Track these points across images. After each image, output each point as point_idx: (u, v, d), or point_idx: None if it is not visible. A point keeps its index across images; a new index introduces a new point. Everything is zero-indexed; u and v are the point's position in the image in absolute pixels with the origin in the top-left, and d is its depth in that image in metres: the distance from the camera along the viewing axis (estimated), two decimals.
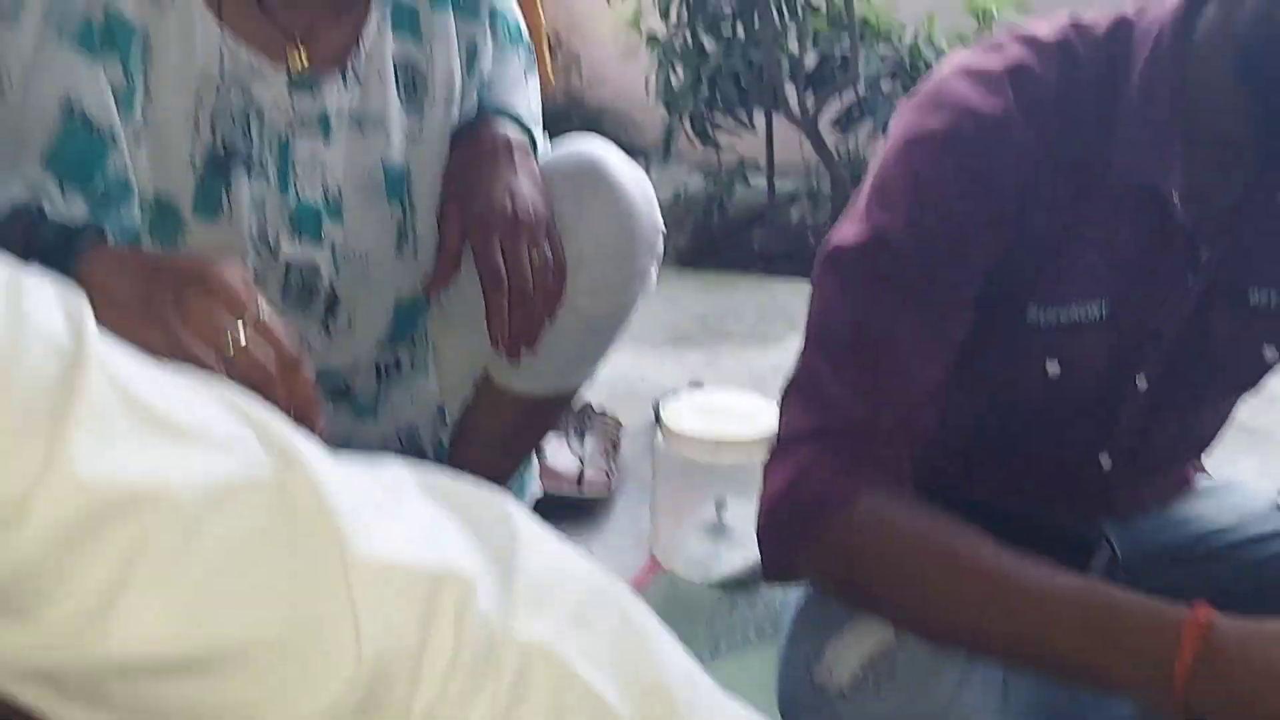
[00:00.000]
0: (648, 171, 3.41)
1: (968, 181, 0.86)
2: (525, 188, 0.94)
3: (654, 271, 1.05)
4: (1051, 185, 0.87)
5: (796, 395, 0.88)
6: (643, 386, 1.80)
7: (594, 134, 1.04)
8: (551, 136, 1.11)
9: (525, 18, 1.94)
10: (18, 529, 0.35)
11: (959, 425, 0.97)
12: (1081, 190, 0.88)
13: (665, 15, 3.07)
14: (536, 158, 1.00)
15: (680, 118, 3.00)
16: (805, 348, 0.89)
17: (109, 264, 0.66)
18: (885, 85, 2.76)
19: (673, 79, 3.09)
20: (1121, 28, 0.90)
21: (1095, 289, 0.90)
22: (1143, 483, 1.04)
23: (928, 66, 2.73)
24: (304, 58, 0.87)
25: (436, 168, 0.97)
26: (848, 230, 0.90)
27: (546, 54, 1.98)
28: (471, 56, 0.99)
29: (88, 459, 0.36)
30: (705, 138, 3.00)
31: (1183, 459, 1.08)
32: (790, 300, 2.43)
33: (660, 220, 1.04)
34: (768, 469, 0.87)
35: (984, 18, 2.75)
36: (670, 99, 3.05)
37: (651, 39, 3.14)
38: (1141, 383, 0.94)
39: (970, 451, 1.01)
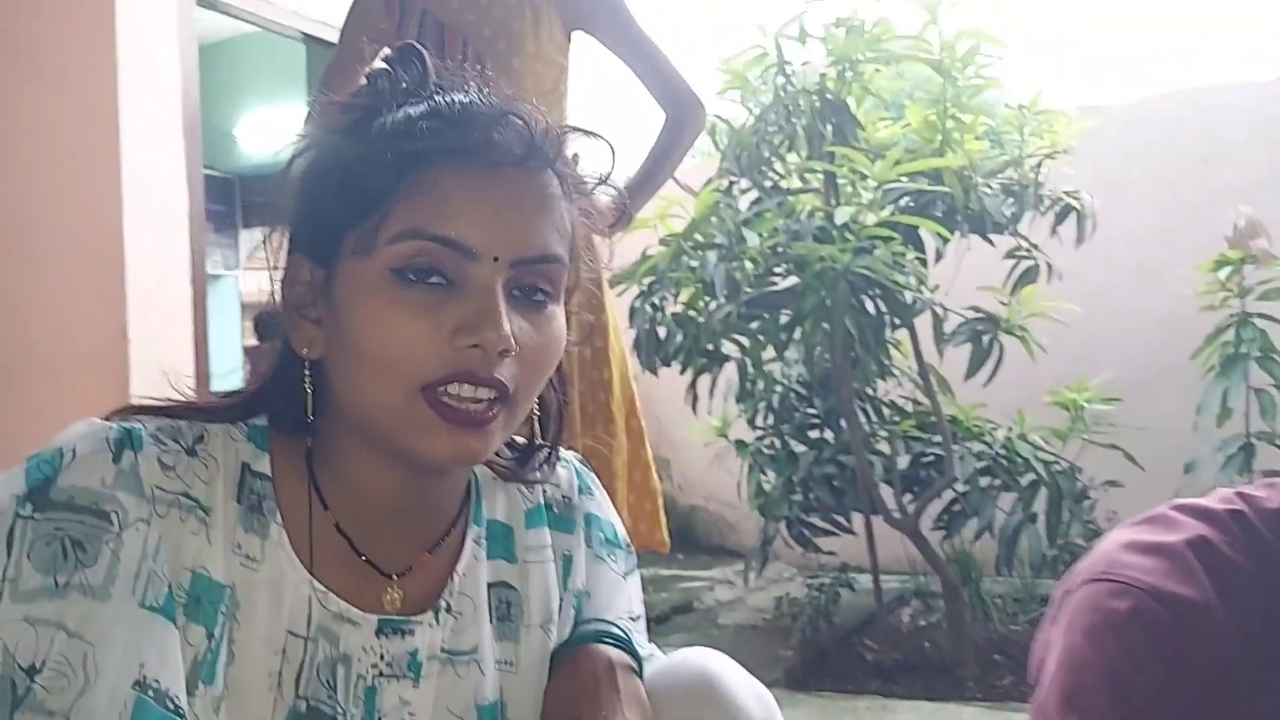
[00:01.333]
0: (745, 577, 3.33)
1: (1171, 671, 0.77)
2: None
3: None
4: (1262, 678, 0.77)
5: None
6: None
7: (709, 648, 0.94)
8: None
9: (643, 482, 1.95)
10: None
11: None
12: None
13: (752, 423, 3.14)
14: (641, 674, 0.90)
15: (776, 523, 2.97)
16: None
17: None
18: (983, 482, 2.71)
19: (764, 483, 3.10)
20: None
21: None
22: None
23: (1024, 461, 2.69)
24: (400, 596, 0.82)
25: (534, 699, 0.88)
26: None
27: (661, 514, 1.95)
28: (566, 569, 0.94)
29: None
30: (804, 542, 2.94)
31: None
32: None
33: None
34: None
35: (1075, 410, 2.74)
36: (764, 504, 3.03)
37: (740, 444, 3.18)
38: None
39: None
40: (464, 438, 0.75)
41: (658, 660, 0.94)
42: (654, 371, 2.90)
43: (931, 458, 2.84)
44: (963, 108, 2.64)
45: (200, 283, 3.20)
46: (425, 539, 0.85)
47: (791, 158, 2.78)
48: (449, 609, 0.85)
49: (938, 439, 2.76)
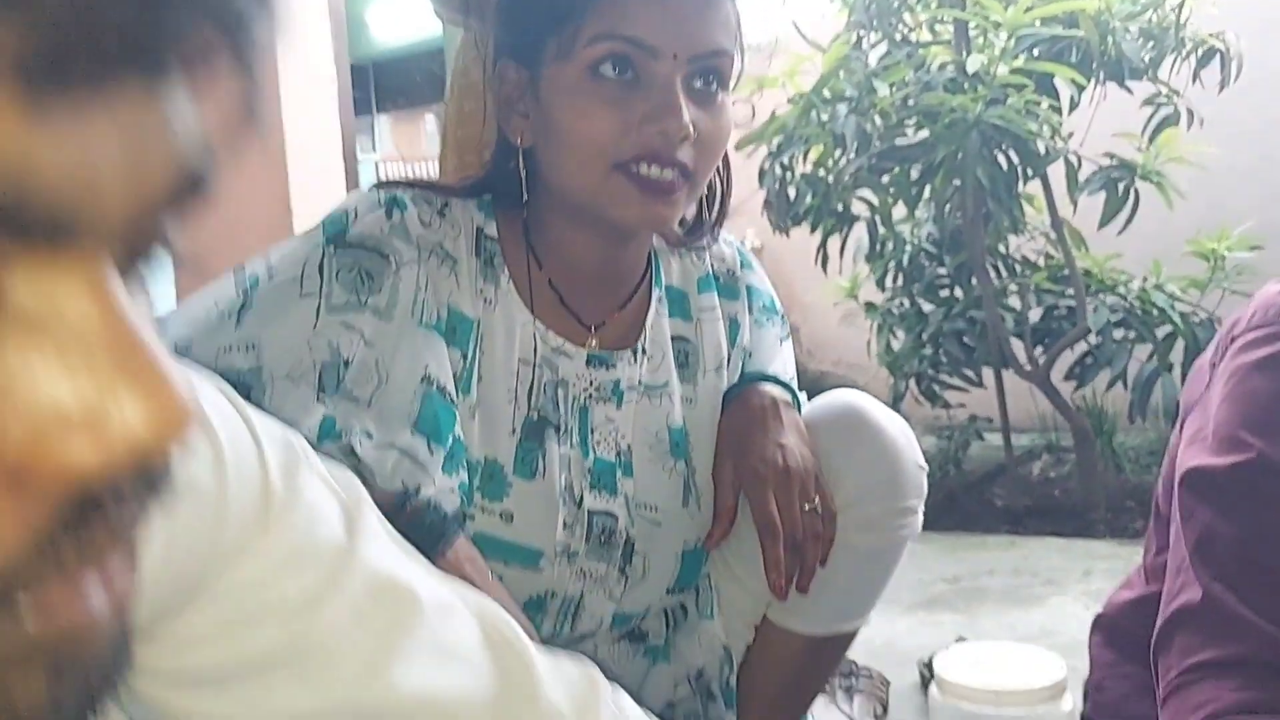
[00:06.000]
0: None
1: None
2: (793, 441, 1.01)
3: (920, 510, 1.08)
4: None
5: (1194, 624, 0.83)
6: (902, 650, 1.74)
7: (847, 389, 1.11)
8: None
9: None
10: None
11: None
12: None
13: (881, 284, 3.18)
14: (799, 412, 1.08)
15: (905, 380, 3.03)
16: (1189, 576, 0.85)
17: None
18: (1117, 334, 2.72)
19: (893, 342, 3.15)
20: None
21: None
22: None
23: (1160, 313, 2.68)
24: (597, 342, 1.02)
25: (710, 428, 1.07)
26: (1209, 454, 0.86)
27: None
28: (734, 330, 1.12)
29: None
30: (933, 397, 3.01)
31: None
32: (1047, 557, 2.32)
33: (922, 458, 1.08)
34: (1165, 707, 0.82)
35: (1215, 260, 2.70)
36: (893, 362, 3.10)
37: (869, 305, 3.24)
38: None
39: None
40: (654, 205, 0.91)
41: (809, 402, 1.11)
42: (785, 232, 2.97)
43: (1064, 310, 2.85)
44: None
45: (351, 162, 3.39)
46: (616, 299, 1.04)
47: (921, 9, 2.77)
48: (644, 350, 1.04)
49: (1070, 291, 2.77)
